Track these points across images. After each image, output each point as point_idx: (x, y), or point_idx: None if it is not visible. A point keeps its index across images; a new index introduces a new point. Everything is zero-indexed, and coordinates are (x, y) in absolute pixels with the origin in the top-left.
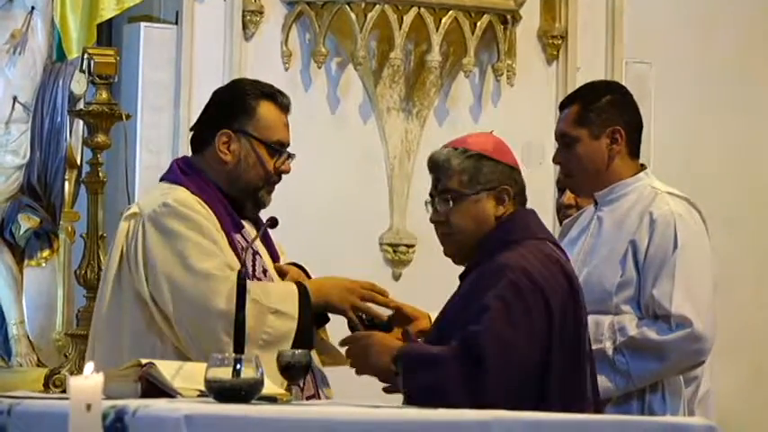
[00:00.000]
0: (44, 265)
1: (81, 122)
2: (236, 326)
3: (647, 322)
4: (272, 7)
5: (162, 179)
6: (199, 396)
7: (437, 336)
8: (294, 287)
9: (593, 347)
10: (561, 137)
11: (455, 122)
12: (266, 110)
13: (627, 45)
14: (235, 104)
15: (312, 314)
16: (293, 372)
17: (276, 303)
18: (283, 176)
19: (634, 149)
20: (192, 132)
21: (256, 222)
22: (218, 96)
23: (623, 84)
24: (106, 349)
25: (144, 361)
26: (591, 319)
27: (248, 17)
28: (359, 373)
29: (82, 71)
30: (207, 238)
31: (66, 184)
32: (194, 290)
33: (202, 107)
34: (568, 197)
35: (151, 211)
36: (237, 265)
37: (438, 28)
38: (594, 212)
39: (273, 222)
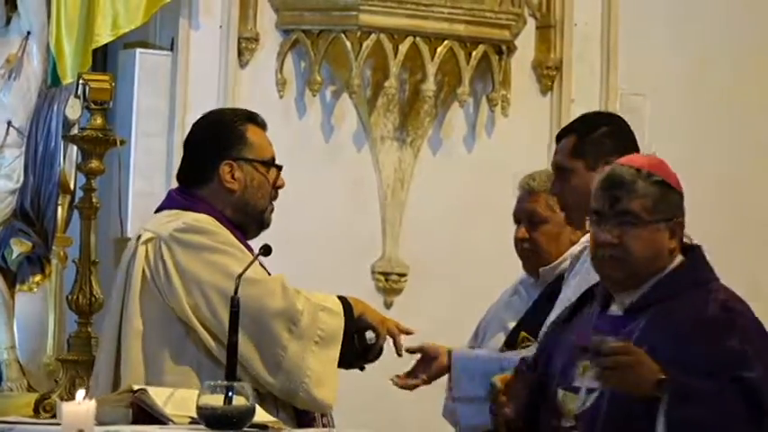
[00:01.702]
0: (36, 290)
1: (75, 148)
2: (228, 350)
3: None
4: (268, 35)
5: (162, 207)
6: (190, 423)
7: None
8: (335, 297)
9: None
10: (557, 168)
11: (449, 152)
12: (253, 132)
13: (621, 76)
14: (226, 135)
15: (353, 319)
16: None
17: (322, 302)
18: (276, 205)
19: None
20: (181, 167)
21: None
22: (207, 130)
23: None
24: (138, 368)
25: (136, 387)
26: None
27: (244, 44)
28: (612, 383)
29: (77, 96)
30: (234, 247)
31: (59, 209)
32: (246, 297)
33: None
34: (521, 232)
35: (169, 233)
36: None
37: (433, 57)
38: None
39: (267, 250)
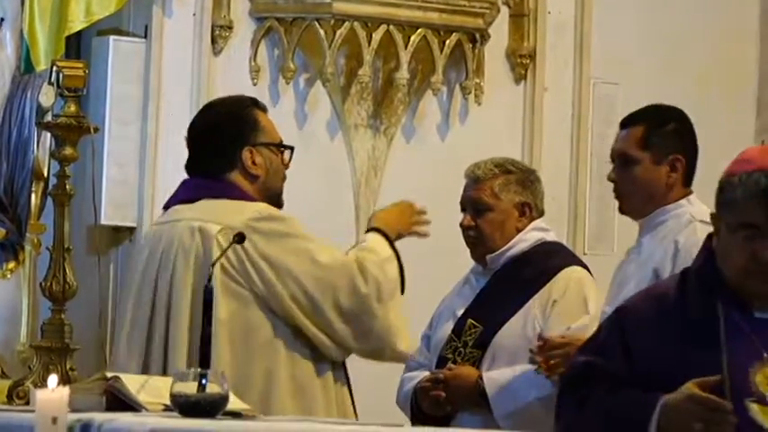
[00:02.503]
0: (9, 276)
1: (48, 135)
2: (202, 339)
3: None
4: (242, 23)
5: (195, 196)
6: (163, 410)
7: None
8: (376, 233)
9: None
10: (620, 156)
11: (422, 140)
12: (263, 117)
13: (594, 65)
14: (242, 121)
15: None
16: None
17: (383, 252)
18: None
19: (689, 179)
20: (193, 157)
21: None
22: (222, 118)
23: (590, 103)
24: (230, 356)
25: (109, 374)
26: None
27: (217, 32)
28: None
29: (50, 83)
30: (304, 230)
31: (33, 196)
32: (336, 280)
33: (172, 120)
34: (467, 220)
35: (245, 223)
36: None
37: (407, 46)
38: (638, 238)
39: (241, 238)
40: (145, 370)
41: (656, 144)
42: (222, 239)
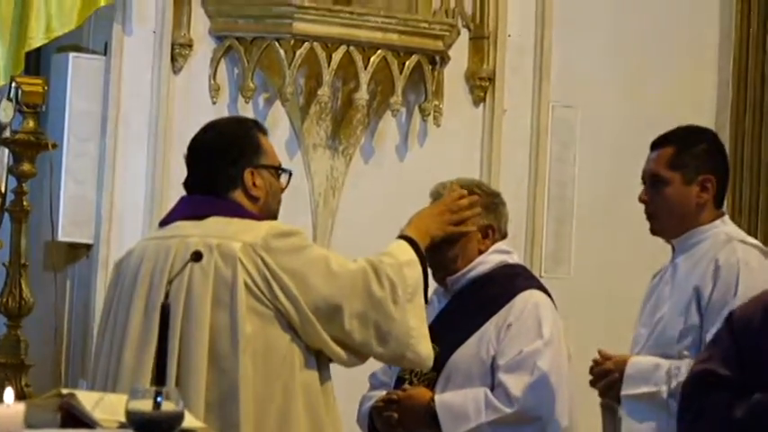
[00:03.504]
0: None
1: (6, 150)
2: (158, 356)
3: None
4: (202, 41)
5: (201, 214)
6: (119, 428)
7: None
8: (402, 240)
9: (650, 390)
10: (651, 176)
11: (381, 161)
12: (264, 140)
13: (553, 88)
14: (246, 142)
15: (425, 257)
16: None
17: (402, 256)
18: None
19: (720, 199)
20: (195, 175)
21: None
22: (225, 138)
23: (549, 126)
24: (253, 373)
25: (65, 391)
26: (651, 360)
27: (177, 50)
28: None
29: (9, 99)
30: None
31: None
32: (352, 287)
33: (130, 138)
34: None
35: (263, 240)
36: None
37: (366, 66)
38: (672, 259)
39: (198, 256)
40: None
41: (686, 164)
42: (244, 258)
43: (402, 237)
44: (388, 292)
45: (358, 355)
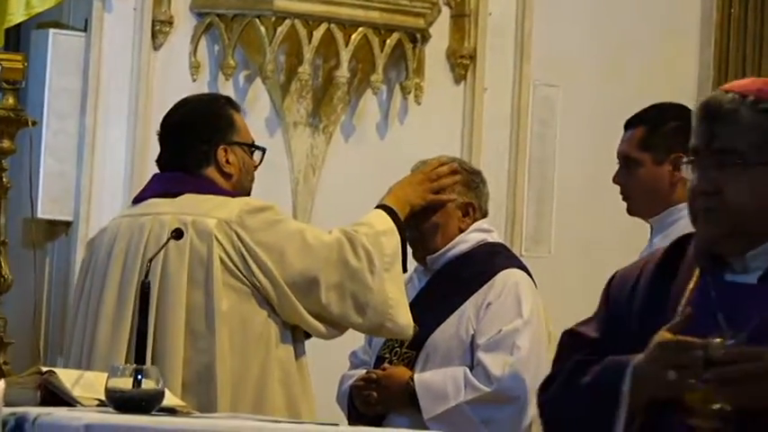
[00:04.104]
0: None
1: None
2: (138, 335)
3: None
4: (182, 18)
5: (173, 191)
6: (98, 405)
7: None
8: (380, 210)
9: None
10: (623, 158)
11: (361, 139)
12: (237, 116)
13: (535, 67)
14: (218, 119)
15: (403, 225)
16: None
17: (379, 225)
18: None
19: None
20: (168, 152)
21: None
22: (197, 114)
23: (530, 105)
24: (229, 349)
25: (44, 368)
26: None
27: (158, 27)
28: (740, 402)
29: None
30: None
31: None
32: (327, 258)
33: (110, 114)
34: None
35: (238, 216)
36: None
37: (347, 44)
38: (650, 239)
39: (179, 234)
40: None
41: (656, 144)
42: (219, 234)
43: (380, 206)
44: (364, 262)
45: (337, 327)
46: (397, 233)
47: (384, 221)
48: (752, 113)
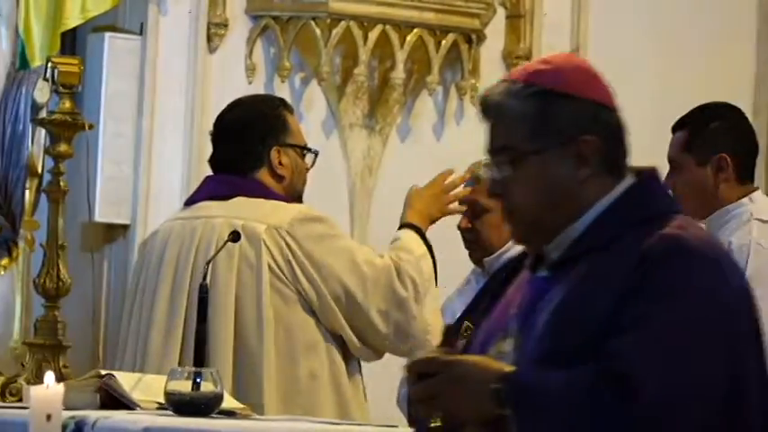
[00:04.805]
0: (2, 273)
1: (43, 131)
2: (196, 339)
3: None
4: (237, 20)
5: (226, 194)
6: (158, 408)
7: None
8: (410, 230)
9: None
10: (670, 162)
11: (418, 140)
12: (291, 119)
13: None
14: (272, 120)
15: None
16: None
17: (417, 250)
18: None
19: (744, 174)
20: (220, 153)
21: None
22: (252, 116)
23: None
24: (275, 356)
25: (103, 372)
26: None
27: (213, 30)
28: (448, 413)
29: (45, 80)
30: (345, 233)
31: (27, 192)
32: (377, 282)
33: (167, 118)
34: (464, 221)
35: (289, 224)
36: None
37: (403, 45)
38: None
39: (236, 237)
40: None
41: (698, 146)
42: (268, 240)
43: (408, 225)
44: (411, 291)
45: (372, 348)
46: (429, 255)
47: (419, 245)
48: (519, 102)
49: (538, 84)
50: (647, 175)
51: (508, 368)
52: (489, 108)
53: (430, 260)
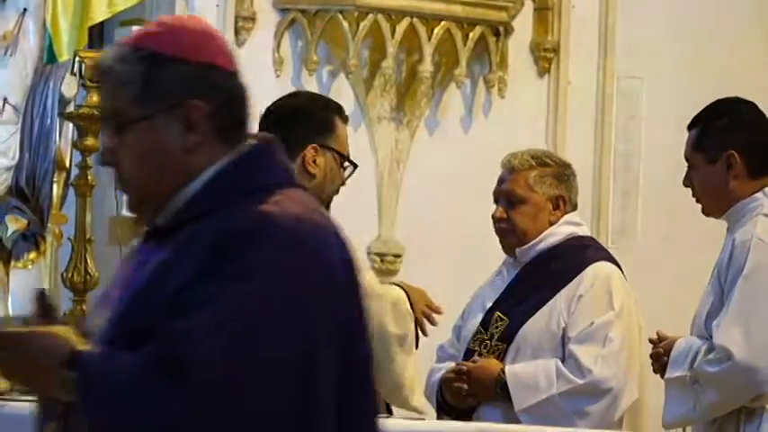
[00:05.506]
0: (31, 267)
1: (71, 125)
2: None
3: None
4: (265, 14)
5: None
6: None
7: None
8: (403, 292)
9: (680, 374)
10: (686, 160)
11: (445, 133)
12: (341, 126)
13: (618, 59)
14: (319, 118)
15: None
16: None
17: (403, 303)
18: None
19: (756, 169)
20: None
21: None
22: (300, 108)
23: (614, 97)
24: None
25: None
26: (686, 341)
27: (240, 23)
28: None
29: (73, 74)
30: None
31: (55, 186)
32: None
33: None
34: (499, 211)
35: None
36: None
37: (430, 38)
38: (726, 236)
39: None
40: None
41: (707, 143)
42: None
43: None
44: (400, 333)
45: None
46: (413, 318)
47: (406, 302)
48: (126, 66)
49: (146, 47)
50: (261, 145)
51: (80, 347)
52: (102, 73)
53: (411, 319)
